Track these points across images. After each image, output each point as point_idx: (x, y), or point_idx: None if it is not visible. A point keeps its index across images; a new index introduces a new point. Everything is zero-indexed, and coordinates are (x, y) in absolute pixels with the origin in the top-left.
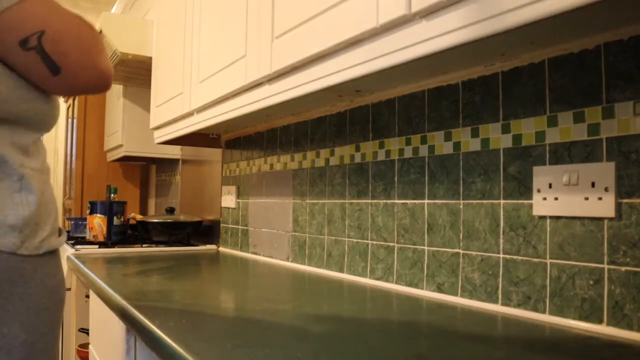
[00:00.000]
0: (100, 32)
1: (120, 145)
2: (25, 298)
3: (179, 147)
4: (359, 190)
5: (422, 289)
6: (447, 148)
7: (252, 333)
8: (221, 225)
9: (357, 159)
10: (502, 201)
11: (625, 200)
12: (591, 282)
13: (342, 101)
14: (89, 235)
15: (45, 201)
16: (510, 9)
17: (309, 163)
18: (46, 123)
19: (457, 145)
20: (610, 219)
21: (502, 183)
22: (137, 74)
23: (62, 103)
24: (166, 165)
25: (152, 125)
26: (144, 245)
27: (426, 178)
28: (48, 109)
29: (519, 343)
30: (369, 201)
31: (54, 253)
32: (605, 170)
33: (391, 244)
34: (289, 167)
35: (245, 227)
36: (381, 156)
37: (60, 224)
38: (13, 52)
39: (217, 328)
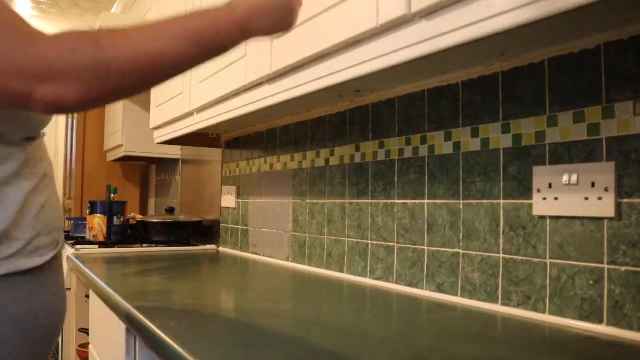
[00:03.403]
0: None
1: (120, 145)
2: None
3: (179, 147)
4: (359, 190)
5: (422, 289)
6: (447, 148)
7: (252, 333)
8: (221, 225)
9: (357, 159)
10: (502, 201)
11: (625, 200)
12: (591, 282)
13: (342, 101)
14: (89, 235)
15: (18, 213)
16: (510, 9)
17: (309, 163)
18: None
19: (457, 145)
20: (610, 219)
21: (502, 183)
22: None
23: None
24: (166, 165)
25: (152, 125)
26: (144, 245)
27: (426, 178)
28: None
29: (519, 343)
30: (369, 201)
31: (30, 274)
32: (605, 170)
33: (391, 244)
34: (289, 167)
35: (245, 227)
36: (381, 156)
37: (49, 241)
38: None
39: (217, 328)
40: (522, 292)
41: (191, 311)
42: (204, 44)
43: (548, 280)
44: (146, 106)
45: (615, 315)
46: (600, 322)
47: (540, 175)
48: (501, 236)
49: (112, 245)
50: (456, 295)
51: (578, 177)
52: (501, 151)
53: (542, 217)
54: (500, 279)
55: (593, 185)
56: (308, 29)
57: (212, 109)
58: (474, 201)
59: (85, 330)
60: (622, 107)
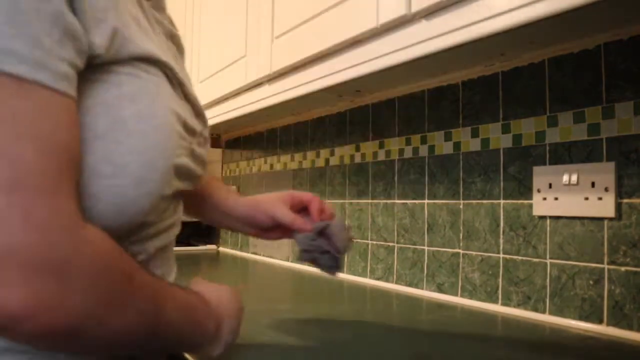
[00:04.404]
0: None
1: None
2: None
3: None
4: (359, 190)
5: (422, 289)
6: (447, 148)
7: (251, 333)
8: None
9: (357, 159)
10: (502, 201)
11: (625, 200)
12: (591, 282)
13: (342, 101)
14: None
15: None
16: (510, 9)
17: (309, 163)
18: None
19: (457, 145)
20: (610, 219)
21: (502, 183)
22: None
23: None
24: None
25: None
26: None
27: (426, 178)
28: None
29: (519, 343)
30: (369, 201)
31: None
32: (605, 170)
33: (391, 244)
34: (289, 167)
35: None
36: (381, 156)
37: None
38: None
39: None
40: (522, 292)
41: None
42: (183, 335)
43: (548, 280)
44: None
45: (615, 315)
46: (600, 322)
47: (540, 175)
48: (501, 236)
49: None
50: (456, 295)
51: (578, 177)
52: (501, 151)
53: (542, 217)
54: (500, 279)
55: (593, 185)
56: (308, 29)
57: (212, 109)
58: (474, 201)
59: None
60: (622, 107)
